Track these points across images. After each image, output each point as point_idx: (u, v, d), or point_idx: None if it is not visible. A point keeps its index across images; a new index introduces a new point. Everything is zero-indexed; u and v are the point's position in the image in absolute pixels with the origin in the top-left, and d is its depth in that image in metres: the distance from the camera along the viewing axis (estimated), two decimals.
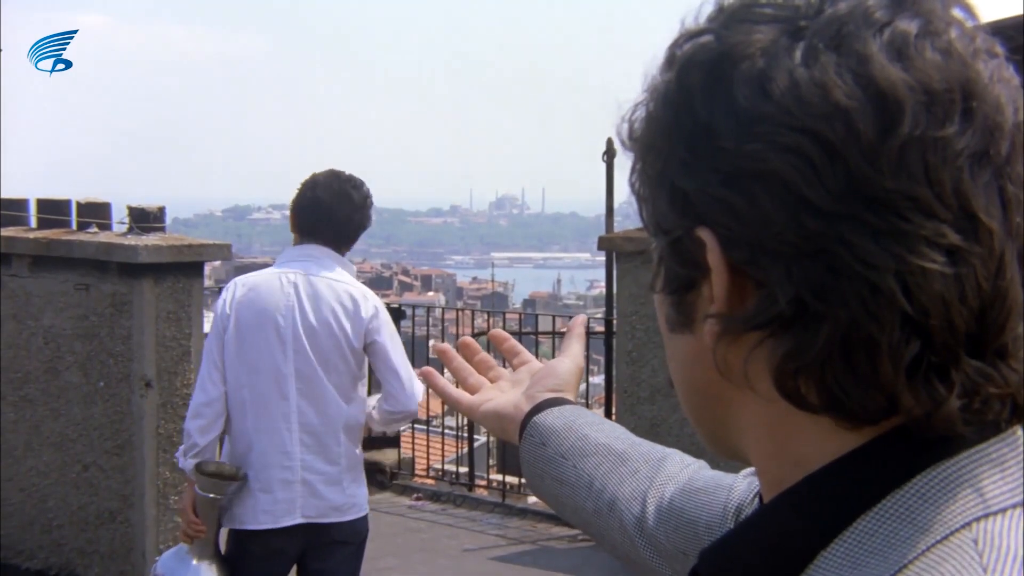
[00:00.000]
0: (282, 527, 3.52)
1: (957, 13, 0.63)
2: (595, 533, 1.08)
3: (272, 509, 3.52)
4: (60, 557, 5.67)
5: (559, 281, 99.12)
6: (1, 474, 5.80)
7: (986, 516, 0.59)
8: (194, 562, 3.55)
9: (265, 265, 3.78)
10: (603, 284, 7.61)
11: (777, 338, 0.62)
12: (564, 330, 9.20)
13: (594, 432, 1.08)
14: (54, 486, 5.66)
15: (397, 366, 3.58)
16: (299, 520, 3.52)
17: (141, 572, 5.39)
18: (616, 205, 7.26)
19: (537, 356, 1.24)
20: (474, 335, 8.43)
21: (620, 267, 6.48)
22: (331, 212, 3.61)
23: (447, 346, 1.24)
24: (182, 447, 3.58)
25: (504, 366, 1.26)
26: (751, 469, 0.81)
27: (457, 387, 1.22)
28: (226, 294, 3.57)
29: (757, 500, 0.85)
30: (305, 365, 3.51)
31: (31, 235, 5.74)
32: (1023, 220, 0.61)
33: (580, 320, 1.24)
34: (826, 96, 0.59)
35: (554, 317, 9.15)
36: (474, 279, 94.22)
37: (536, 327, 9.73)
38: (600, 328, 7.98)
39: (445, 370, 1.32)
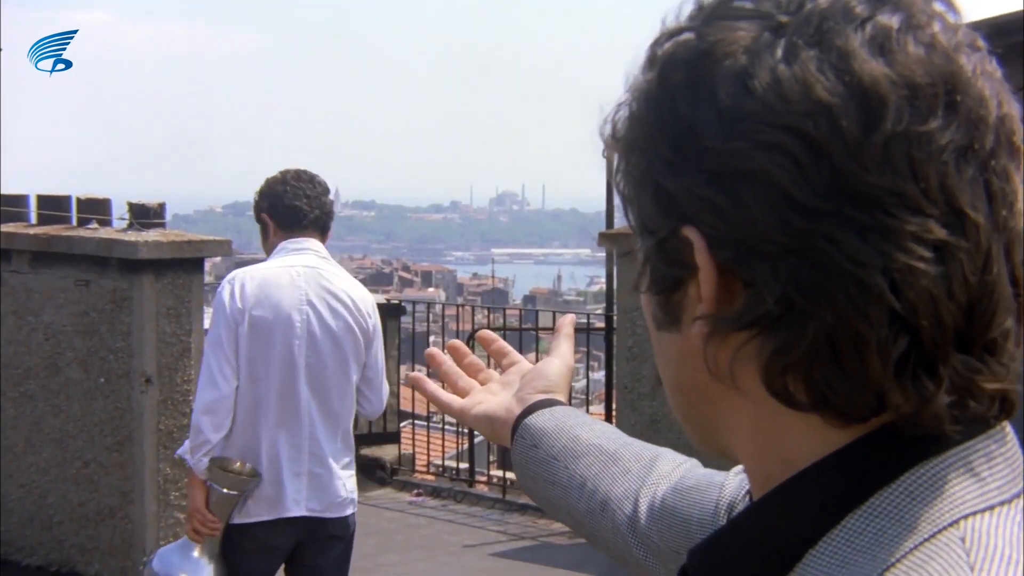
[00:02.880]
0: (286, 519, 3.55)
1: (938, 7, 0.62)
2: (588, 534, 1.08)
3: (281, 501, 3.55)
4: (60, 553, 5.68)
5: (559, 277, 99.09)
6: (1, 470, 5.81)
7: (974, 513, 0.59)
8: (197, 557, 3.52)
9: (264, 262, 3.79)
10: (603, 280, 7.61)
11: (765, 337, 0.61)
12: None
13: (585, 433, 1.07)
14: (54, 482, 5.67)
15: (381, 372, 3.76)
16: (303, 513, 3.55)
17: (141, 568, 5.41)
18: (617, 201, 7.24)
19: (537, 352, 1.24)
20: (473, 332, 8.43)
21: (620, 263, 6.48)
22: (317, 204, 3.71)
23: (436, 350, 1.23)
24: (188, 444, 3.54)
25: (491, 367, 1.25)
26: (742, 466, 0.81)
27: (444, 388, 1.22)
28: (233, 288, 3.52)
29: (748, 497, 0.85)
30: (316, 360, 3.57)
31: (31, 231, 5.76)
32: (1009, 214, 0.61)
33: (568, 320, 1.23)
34: (808, 93, 0.59)
35: (554, 313, 9.16)
36: (474, 275, 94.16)
37: (536, 323, 9.73)
38: (601, 324, 7.98)
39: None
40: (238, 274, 3.58)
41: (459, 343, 1.25)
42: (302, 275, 3.58)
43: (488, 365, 1.26)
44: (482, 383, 1.20)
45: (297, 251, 3.63)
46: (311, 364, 3.55)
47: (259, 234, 3.78)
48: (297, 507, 3.55)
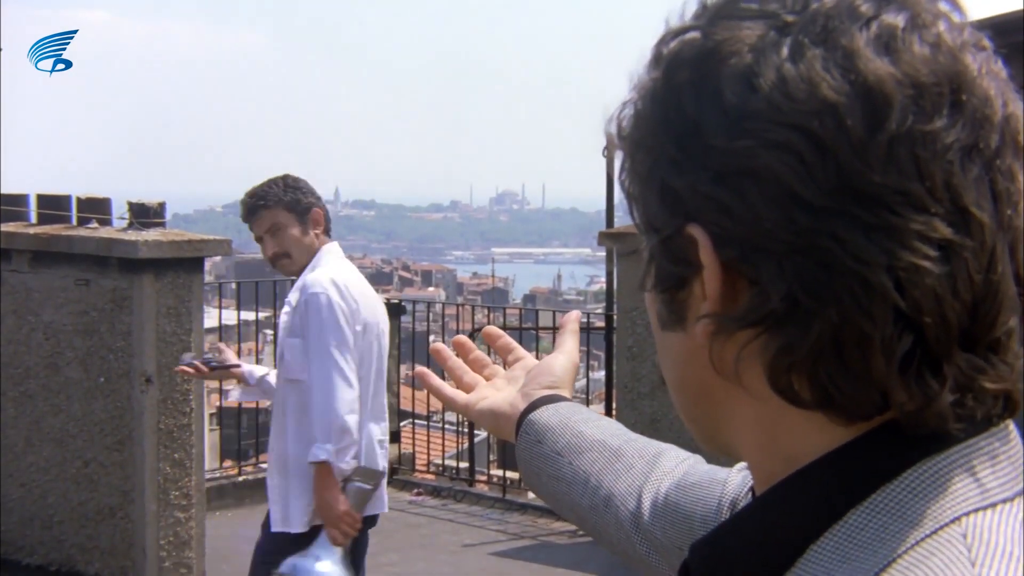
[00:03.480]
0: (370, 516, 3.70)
1: (943, 7, 0.63)
2: (591, 529, 1.08)
3: (380, 496, 3.69)
4: (60, 553, 5.67)
5: (559, 277, 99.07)
6: (1, 470, 5.81)
7: (976, 511, 0.59)
8: (342, 558, 3.45)
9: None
10: (603, 280, 7.62)
11: (770, 335, 0.61)
12: None
13: (590, 429, 1.07)
14: (54, 482, 5.67)
15: None
16: (385, 508, 3.78)
17: (141, 568, 5.40)
18: (617, 200, 7.25)
19: (538, 351, 1.24)
20: (473, 331, 8.43)
21: (620, 262, 6.48)
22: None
23: (442, 346, 1.24)
24: (331, 447, 3.47)
25: (498, 363, 1.25)
26: (745, 463, 0.81)
27: (446, 382, 1.23)
28: (342, 292, 3.56)
29: (750, 493, 0.85)
30: (382, 359, 3.77)
31: (31, 230, 5.75)
32: (1014, 213, 0.61)
33: (573, 316, 1.22)
34: (814, 91, 0.59)
35: (554, 313, 9.16)
36: (474, 274, 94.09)
37: (536, 322, 9.74)
38: (601, 324, 7.98)
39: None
40: (335, 278, 3.59)
41: (464, 339, 1.26)
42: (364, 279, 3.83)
43: (493, 361, 1.26)
44: (487, 379, 1.20)
45: (342, 256, 3.80)
46: (380, 366, 3.75)
47: (288, 225, 3.66)
48: (384, 502, 3.76)
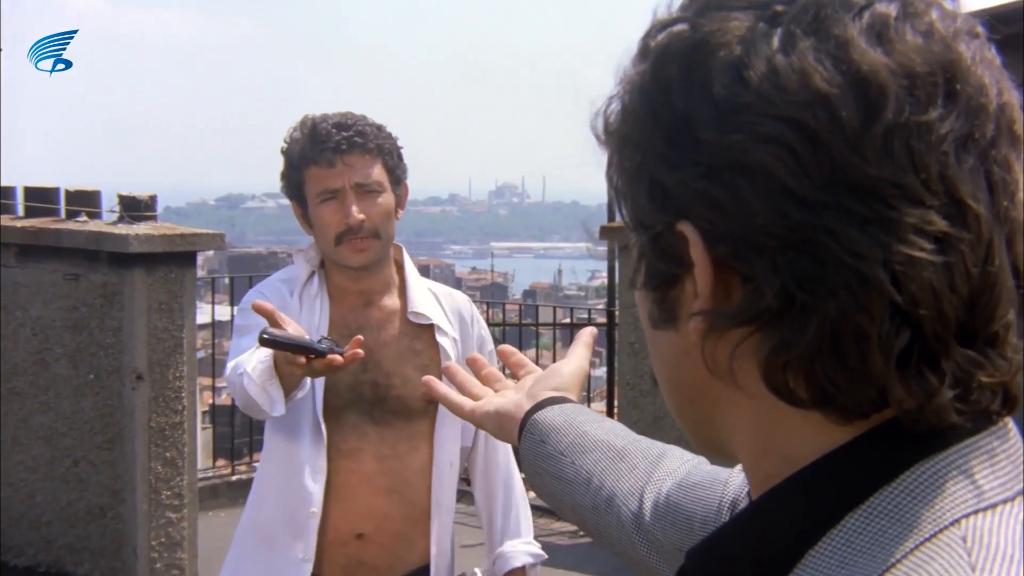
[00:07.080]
0: None
1: None
2: (593, 530, 1.08)
3: None
4: (49, 554, 5.62)
5: (560, 271, 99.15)
6: None
7: (976, 512, 0.59)
8: None
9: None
10: (605, 274, 7.58)
11: (764, 333, 0.61)
12: (565, 321, 8.95)
13: (594, 429, 1.08)
14: (43, 481, 5.61)
15: None
16: None
17: (132, 569, 5.38)
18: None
19: (537, 347, 1.24)
20: None
21: (622, 257, 6.40)
22: None
23: (454, 364, 1.29)
24: None
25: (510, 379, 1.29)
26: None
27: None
28: None
29: (749, 495, 0.84)
30: None
31: (19, 224, 5.69)
32: (1010, 204, 0.60)
33: (590, 331, 1.25)
34: (806, 83, 0.58)
35: (555, 308, 9.09)
36: (473, 269, 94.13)
37: (536, 318, 9.65)
38: (602, 319, 7.89)
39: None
40: None
41: (477, 356, 1.30)
42: None
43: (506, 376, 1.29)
44: (497, 392, 1.22)
45: None
46: None
47: (385, 190, 2.36)
48: None
